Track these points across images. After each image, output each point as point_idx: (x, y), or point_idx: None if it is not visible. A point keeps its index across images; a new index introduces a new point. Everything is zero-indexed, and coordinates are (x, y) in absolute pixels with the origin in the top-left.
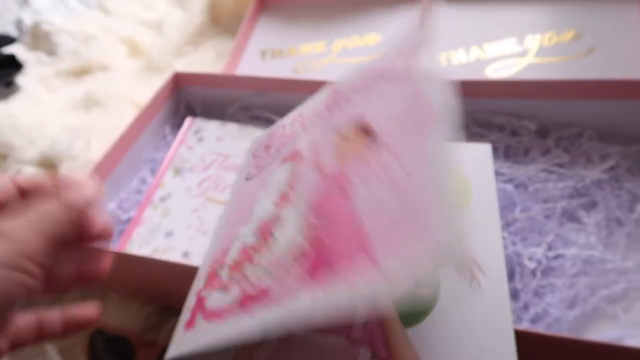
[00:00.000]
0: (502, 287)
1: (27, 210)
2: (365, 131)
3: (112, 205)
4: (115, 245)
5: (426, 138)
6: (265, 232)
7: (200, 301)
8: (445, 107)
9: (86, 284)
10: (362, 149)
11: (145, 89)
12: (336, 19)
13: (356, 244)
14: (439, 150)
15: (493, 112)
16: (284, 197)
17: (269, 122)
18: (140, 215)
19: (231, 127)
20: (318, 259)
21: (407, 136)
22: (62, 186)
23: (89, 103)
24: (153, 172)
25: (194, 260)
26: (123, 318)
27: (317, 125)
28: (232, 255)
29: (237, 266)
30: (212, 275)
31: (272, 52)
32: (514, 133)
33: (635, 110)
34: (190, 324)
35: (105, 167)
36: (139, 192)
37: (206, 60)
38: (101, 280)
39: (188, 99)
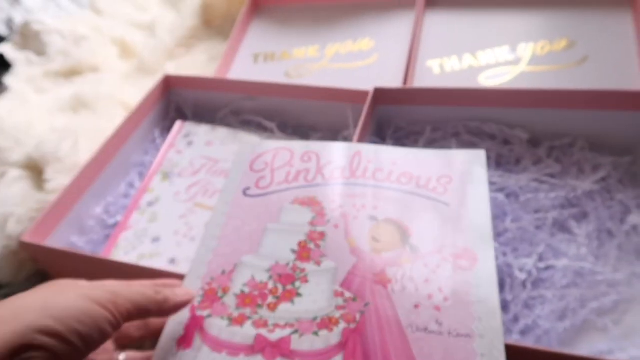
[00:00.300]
0: (494, 297)
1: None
2: (407, 240)
3: (98, 210)
4: (100, 251)
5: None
6: (284, 280)
7: (196, 320)
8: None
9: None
10: (402, 254)
11: (136, 91)
12: (330, 24)
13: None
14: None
15: (485, 121)
16: (304, 249)
17: (260, 127)
18: (127, 220)
19: (221, 132)
20: (350, 331)
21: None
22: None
23: (78, 104)
24: (141, 176)
25: (181, 268)
26: None
27: (339, 183)
28: (238, 284)
29: (248, 302)
30: (211, 295)
31: (264, 56)
32: (506, 142)
33: (628, 120)
34: (185, 342)
35: (93, 170)
36: (126, 196)
37: (198, 63)
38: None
39: (178, 102)
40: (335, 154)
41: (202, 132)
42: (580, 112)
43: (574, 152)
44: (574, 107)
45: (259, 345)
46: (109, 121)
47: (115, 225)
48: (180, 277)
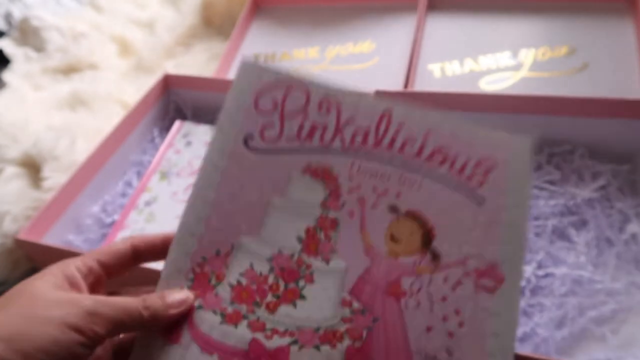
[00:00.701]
0: (511, 332)
1: (116, 297)
2: (429, 244)
3: (95, 208)
4: None
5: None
6: (287, 276)
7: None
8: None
9: None
10: (422, 262)
11: (135, 89)
12: (331, 25)
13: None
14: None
15: (485, 126)
16: (312, 238)
17: None
18: (124, 219)
19: None
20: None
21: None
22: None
23: (76, 102)
24: (139, 175)
25: None
26: None
27: (360, 153)
28: (234, 272)
29: (244, 297)
30: (202, 281)
31: (265, 57)
32: None
33: (628, 128)
34: (172, 335)
35: (90, 169)
36: (124, 195)
37: (198, 62)
38: None
39: (178, 102)
40: (361, 109)
41: (201, 132)
42: (581, 119)
43: (573, 159)
44: (575, 114)
45: (254, 352)
46: (107, 119)
47: (112, 224)
48: None
